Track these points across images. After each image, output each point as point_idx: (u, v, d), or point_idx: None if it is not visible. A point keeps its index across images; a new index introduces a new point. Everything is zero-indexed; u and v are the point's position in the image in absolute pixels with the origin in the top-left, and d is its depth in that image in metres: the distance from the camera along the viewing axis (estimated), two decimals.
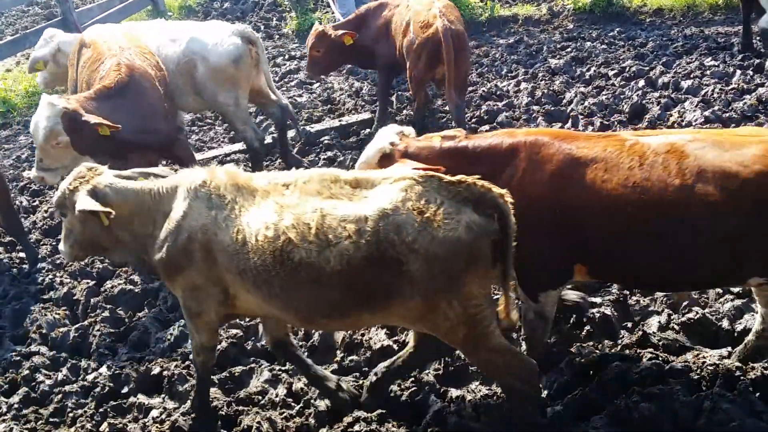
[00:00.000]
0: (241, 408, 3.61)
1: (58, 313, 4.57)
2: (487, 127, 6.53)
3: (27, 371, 4.06)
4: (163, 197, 3.30)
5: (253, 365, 3.95)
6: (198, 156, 6.82)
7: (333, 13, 9.39)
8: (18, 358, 4.19)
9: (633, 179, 3.10)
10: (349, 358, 3.90)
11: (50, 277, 5.01)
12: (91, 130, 4.54)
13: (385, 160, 3.59)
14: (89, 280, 4.95)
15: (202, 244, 3.14)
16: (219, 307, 3.28)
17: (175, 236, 3.19)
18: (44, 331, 4.42)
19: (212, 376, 3.87)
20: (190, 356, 4.03)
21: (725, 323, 3.79)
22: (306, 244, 2.94)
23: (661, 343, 3.76)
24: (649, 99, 6.79)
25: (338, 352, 3.98)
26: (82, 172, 3.42)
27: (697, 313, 3.86)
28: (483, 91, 7.58)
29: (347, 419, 3.45)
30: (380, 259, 2.88)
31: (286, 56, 9.79)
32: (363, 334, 4.06)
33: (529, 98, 7.24)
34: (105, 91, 4.85)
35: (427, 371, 3.75)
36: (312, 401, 3.59)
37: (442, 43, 5.86)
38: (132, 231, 3.39)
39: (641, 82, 7.19)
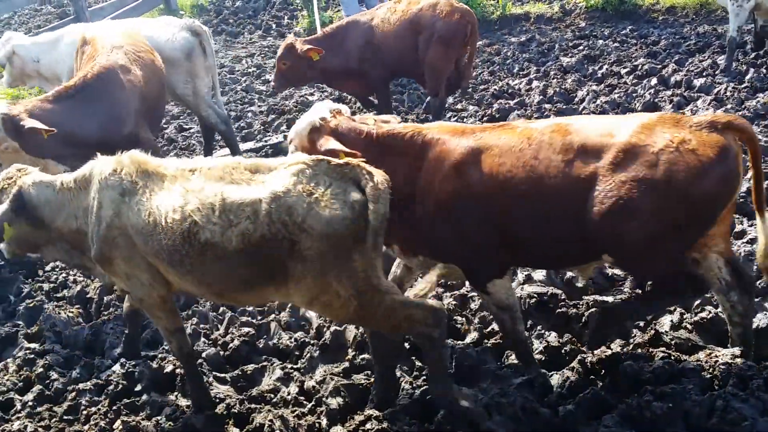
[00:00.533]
0: (253, 406, 3.62)
1: (72, 312, 4.60)
2: None
3: (41, 369, 4.09)
4: (80, 191, 3.47)
5: (265, 363, 3.96)
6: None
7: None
8: (32, 356, 4.22)
9: (523, 159, 3.27)
10: (361, 356, 3.91)
11: (63, 275, 5.04)
12: (33, 134, 4.63)
13: (315, 133, 3.73)
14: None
15: (120, 230, 3.32)
16: (154, 288, 3.44)
17: (97, 228, 3.36)
18: (58, 329, 4.45)
19: (224, 374, 3.89)
20: (203, 354, 4.06)
21: None
22: (210, 225, 3.13)
23: (673, 342, 3.74)
24: (662, 97, 6.76)
25: (350, 350, 3.99)
26: (11, 173, 3.63)
27: (709, 312, 3.84)
28: (495, 89, 7.57)
29: (359, 417, 3.46)
30: (274, 238, 3.06)
31: None
32: None
33: (541, 96, 7.23)
34: (64, 93, 4.99)
35: None
36: (324, 399, 3.60)
37: (469, 25, 6.41)
38: (59, 229, 3.53)
39: (654, 81, 7.17)
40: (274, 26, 11.02)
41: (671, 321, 3.91)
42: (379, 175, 3.11)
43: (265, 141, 7.00)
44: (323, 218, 3.01)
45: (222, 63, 9.89)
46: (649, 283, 3.80)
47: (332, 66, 6.74)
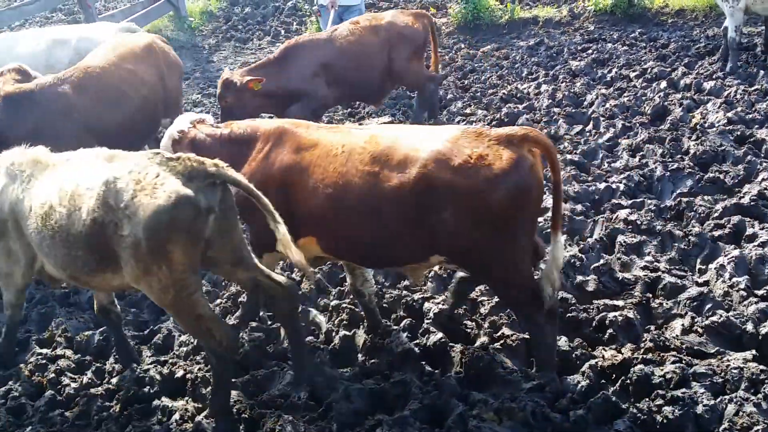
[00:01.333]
0: (263, 411, 3.63)
1: (83, 317, 4.62)
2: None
3: (53, 374, 4.11)
4: None
5: (275, 368, 3.96)
6: None
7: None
8: (44, 361, 4.24)
9: (333, 165, 3.59)
10: (371, 361, 3.91)
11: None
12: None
13: (176, 145, 4.06)
14: None
15: (11, 214, 3.68)
16: (27, 270, 3.83)
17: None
18: (69, 334, 4.47)
19: (235, 379, 3.90)
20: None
21: (749, 326, 3.75)
22: (60, 208, 3.40)
23: (684, 346, 3.73)
24: (671, 101, 6.74)
25: (359, 355, 3.99)
26: None
27: (720, 316, 3.82)
28: (503, 93, 7.57)
29: (369, 422, 3.46)
30: (104, 222, 3.27)
31: None
32: (384, 338, 4.06)
33: (550, 100, 7.22)
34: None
35: (448, 374, 3.75)
36: (334, 404, 3.60)
37: (429, 25, 7.09)
38: None
39: (663, 84, 7.15)
40: (282, 32, 11.06)
41: (682, 325, 3.89)
42: (213, 166, 3.29)
43: None
44: (145, 205, 3.17)
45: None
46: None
47: (279, 91, 6.56)
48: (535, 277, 3.61)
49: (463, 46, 9.55)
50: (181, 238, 3.21)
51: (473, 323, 4.17)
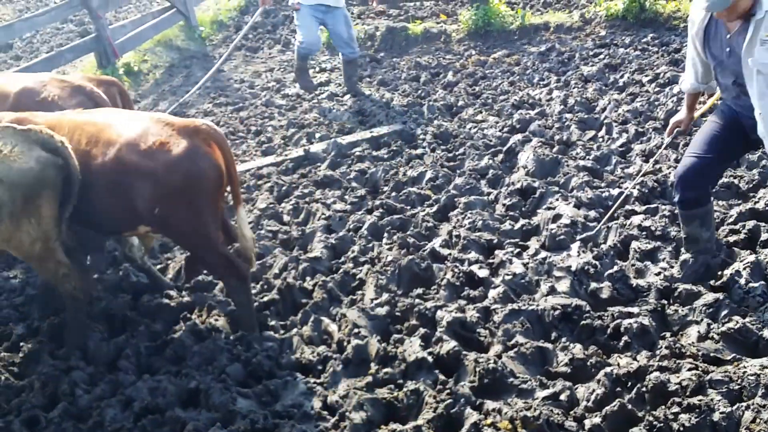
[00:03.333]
0: (277, 421, 3.62)
1: (97, 328, 4.63)
2: (519, 136, 6.50)
3: (66, 385, 4.12)
4: None
5: (288, 378, 3.96)
6: None
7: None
8: (57, 372, 4.25)
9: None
10: (384, 370, 3.89)
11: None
12: None
13: None
14: (126, 294, 5.01)
15: None
16: None
17: None
18: (83, 345, 4.48)
19: (248, 389, 3.89)
20: (226, 369, 4.06)
21: (766, 333, 3.71)
22: None
23: (700, 353, 3.69)
24: None
25: (372, 364, 3.98)
26: None
27: (737, 322, 3.79)
28: (515, 99, 7.55)
29: (382, 431, 3.45)
30: None
31: (317, 69, 9.86)
32: (397, 347, 4.05)
33: (562, 106, 7.20)
34: None
35: (462, 383, 3.73)
36: (347, 414, 3.58)
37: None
38: None
39: (676, 89, 7.10)
40: (292, 41, 11.08)
41: (698, 332, 3.86)
42: (59, 137, 3.93)
43: (285, 155, 7.03)
44: (13, 169, 3.80)
45: (242, 78, 9.97)
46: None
47: None
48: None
49: (473, 52, 9.54)
50: (49, 193, 3.90)
51: (486, 331, 4.14)
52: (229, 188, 4.27)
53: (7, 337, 4.65)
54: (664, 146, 5.09)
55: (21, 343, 4.55)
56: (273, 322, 4.53)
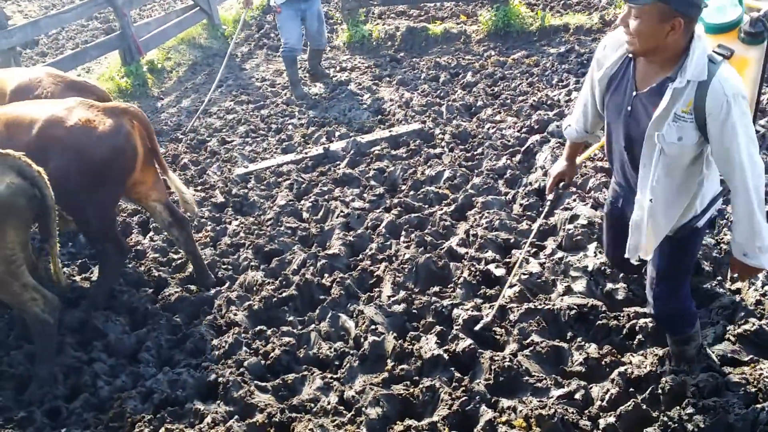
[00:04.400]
0: (293, 415, 3.67)
1: (118, 320, 4.71)
2: (537, 137, 6.51)
3: (87, 377, 4.20)
4: None
5: (305, 373, 4.01)
6: (251, 166, 6.97)
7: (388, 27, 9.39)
8: (79, 364, 4.33)
9: None
10: (400, 366, 3.93)
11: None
12: None
13: None
14: (147, 288, 5.09)
15: None
16: None
17: None
18: (104, 338, 4.56)
19: (266, 383, 3.95)
20: (245, 363, 4.12)
21: None
22: None
23: (716, 354, 3.70)
24: None
25: (389, 360, 4.02)
26: None
27: (753, 324, 3.79)
28: (533, 100, 7.56)
29: (398, 427, 3.48)
30: None
31: (338, 68, 9.91)
32: (413, 344, 4.09)
33: None
34: None
35: (477, 381, 3.76)
36: (363, 409, 3.63)
37: None
38: None
39: None
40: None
41: (714, 333, 3.86)
42: (37, 168, 3.90)
43: (306, 153, 7.09)
44: None
45: (263, 77, 10.04)
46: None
47: None
48: None
49: (493, 53, 9.55)
50: (16, 220, 3.90)
51: (502, 330, 4.17)
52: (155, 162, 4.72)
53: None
54: (546, 211, 4.02)
55: None
56: (291, 318, 4.58)
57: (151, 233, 5.88)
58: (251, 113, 8.61)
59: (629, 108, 3.01)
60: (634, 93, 2.98)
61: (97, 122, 4.32)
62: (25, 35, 8.87)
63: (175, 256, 5.51)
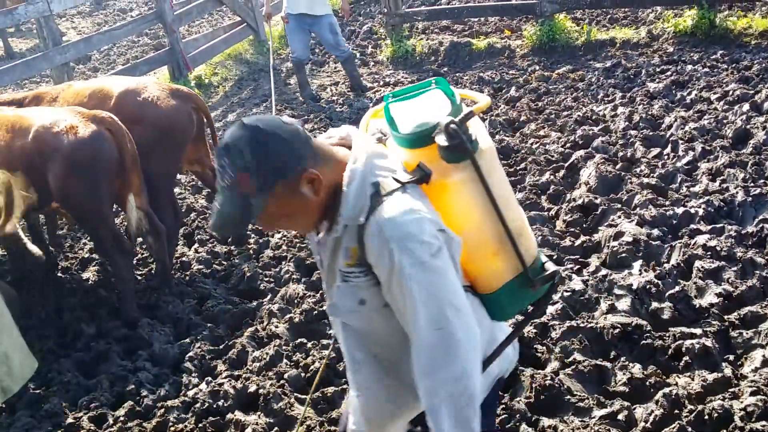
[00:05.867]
0: (333, 428, 3.68)
1: (163, 330, 4.79)
2: (581, 152, 6.45)
3: (132, 386, 4.27)
4: None
5: (345, 386, 4.02)
6: None
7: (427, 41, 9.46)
8: (124, 373, 4.41)
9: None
10: None
11: (155, 296, 5.25)
12: None
13: None
14: (191, 299, 5.16)
15: None
16: None
17: None
18: (149, 347, 4.64)
19: (305, 396, 3.97)
20: (285, 375, 4.15)
21: None
22: None
23: (765, 378, 3.60)
24: (754, 124, 6.54)
25: None
26: None
27: None
28: (578, 115, 7.49)
29: None
30: None
31: (381, 82, 9.97)
32: None
33: (627, 122, 7.11)
34: None
35: (518, 399, 3.72)
36: None
37: None
38: None
39: (746, 107, 6.93)
40: (358, 55, 11.22)
41: (763, 356, 3.76)
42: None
43: None
44: None
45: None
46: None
47: None
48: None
49: (537, 68, 9.50)
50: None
51: (544, 348, 4.13)
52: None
53: (78, 337, 4.85)
54: None
55: (91, 344, 4.74)
56: (331, 331, 4.59)
57: (196, 245, 5.97)
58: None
59: (318, 257, 2.18)
60: (317, 238, 2.12)
61: (80, 129, 4.65)
62: (78, 51, 9.13)
63: (219, 268, 5.59)
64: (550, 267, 2.22)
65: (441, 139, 1.91)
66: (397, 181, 1.92)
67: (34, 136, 4.64)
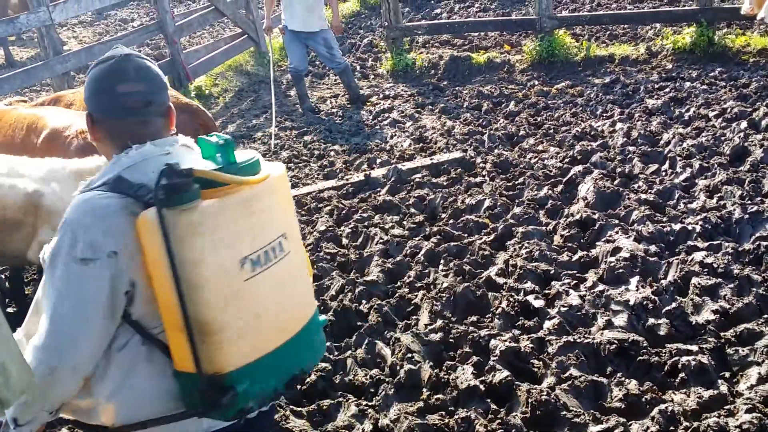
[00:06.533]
0: None
1: None
2: (580, 167, 6.47)
3: None
4: None
5: (340, 399, 4.01)
6: (293, 192, 7.04)
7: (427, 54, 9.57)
8: None
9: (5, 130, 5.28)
10: (435, 396, 3.91)
11: None
12: None
13: None
14: None
15: None
16: None
17: None
18: None
19: (301, 408, 3.95)
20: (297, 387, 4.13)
21: None
22: None
23: (760, 395, 3.60)
24: (752, 141, 6.57)
25: (424, 390, 4.00)
26: None
27: None
28: (577, 131, 7.52)
29: None
30: None
31: (381, 95, 10.00)
32: (449, 374, 4.06)
33: (625, 138, 7.13)
34: None
35: (514, 414, 3.71)
36: None
37: None
38: None
39: (743, 124, 6.97)
40: (358, 68, 11.28)
41: (758, 373, 3.76)
42: None
43: (346, 179, 7.14)
44: None
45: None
46: None
47: None
48: None
49: (536, 83, 9.54)
50: None
51: (540, 363, 4.12)
52: None
53: None
54: None
55: None
56: (328, 343, 4.58)
57: None
58: (294, 139, 8.72)
59: None
60: None
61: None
62: (79, 60, 9.16)
63: None
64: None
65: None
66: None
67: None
